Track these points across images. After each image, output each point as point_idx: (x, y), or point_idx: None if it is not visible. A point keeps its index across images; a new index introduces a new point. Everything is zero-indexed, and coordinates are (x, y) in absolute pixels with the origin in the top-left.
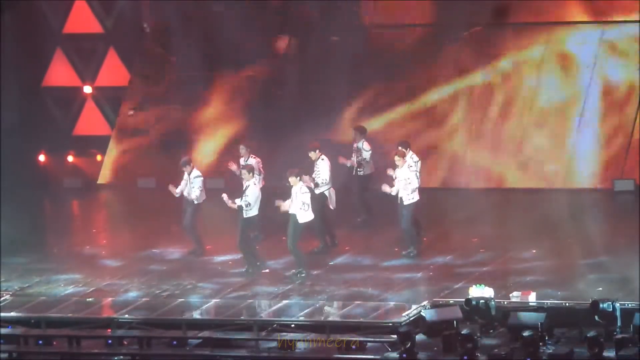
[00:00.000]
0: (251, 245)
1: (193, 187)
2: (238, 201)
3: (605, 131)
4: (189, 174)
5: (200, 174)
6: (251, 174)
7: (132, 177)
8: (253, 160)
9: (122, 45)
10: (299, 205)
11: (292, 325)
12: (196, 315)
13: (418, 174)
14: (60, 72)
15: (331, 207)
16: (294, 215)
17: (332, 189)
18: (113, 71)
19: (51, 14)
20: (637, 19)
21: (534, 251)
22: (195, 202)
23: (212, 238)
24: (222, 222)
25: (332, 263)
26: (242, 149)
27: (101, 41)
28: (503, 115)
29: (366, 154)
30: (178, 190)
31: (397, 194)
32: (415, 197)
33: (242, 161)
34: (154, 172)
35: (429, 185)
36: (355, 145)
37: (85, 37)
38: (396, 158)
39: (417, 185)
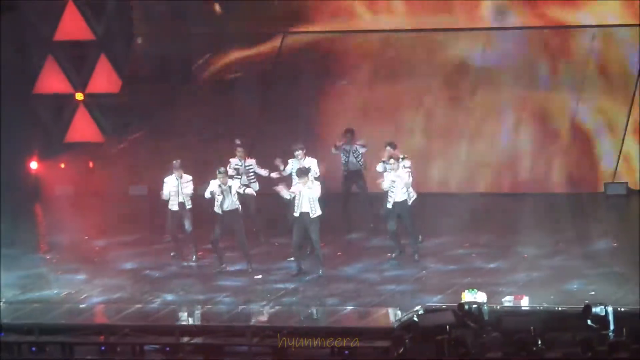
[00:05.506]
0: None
1: (187, 188)
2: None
3: None
4: (180, 178)
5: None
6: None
7: (124, 184)
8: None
9: (114, 51)
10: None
11: (285, 332)
12: (189, 321)
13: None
14: (51, 79)
15: None
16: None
17: None
18: (104, 78)
19: (42, 22)
20: None
21: (526, 255)
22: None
23: (205, 244)
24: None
25: (324, 268)
26: (241, 150)
27: (92, 48)
28: None
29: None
30: (166, 193)
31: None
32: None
33: (238, 162)
34: (145, 180)
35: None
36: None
37: (76, 44)
38: (392, 160)
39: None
